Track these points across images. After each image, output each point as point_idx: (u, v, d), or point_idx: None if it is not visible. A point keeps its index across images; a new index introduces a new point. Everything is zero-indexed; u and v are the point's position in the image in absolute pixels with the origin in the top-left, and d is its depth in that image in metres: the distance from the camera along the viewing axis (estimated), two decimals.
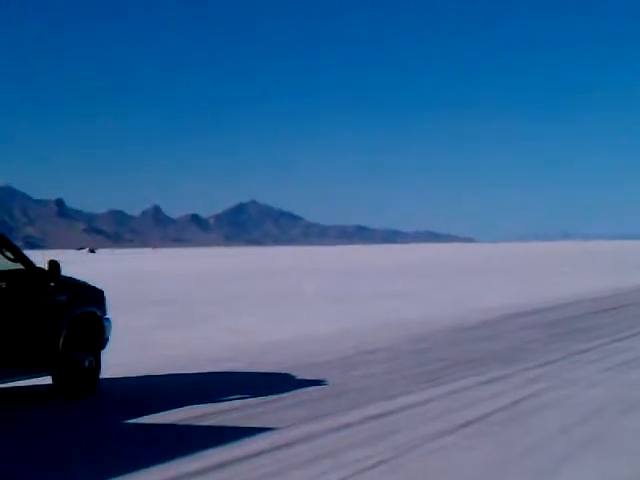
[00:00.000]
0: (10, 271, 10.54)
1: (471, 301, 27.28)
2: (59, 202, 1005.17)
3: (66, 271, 11.44)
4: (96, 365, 11.38)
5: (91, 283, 11.92)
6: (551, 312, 22.90)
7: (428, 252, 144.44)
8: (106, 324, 11.70)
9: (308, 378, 12.30)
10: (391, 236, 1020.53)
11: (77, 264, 60.12)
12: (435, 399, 10.58)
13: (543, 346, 15.66)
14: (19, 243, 12.04)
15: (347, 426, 9.06)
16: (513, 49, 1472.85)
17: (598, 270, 51.65)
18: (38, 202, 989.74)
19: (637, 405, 10.17)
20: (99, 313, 11.59)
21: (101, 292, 11.86)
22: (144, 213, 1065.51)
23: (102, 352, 11.67)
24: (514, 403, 10.28)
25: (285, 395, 10.95)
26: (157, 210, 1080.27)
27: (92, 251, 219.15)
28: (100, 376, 11.54)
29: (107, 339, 11.78)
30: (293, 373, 12.84)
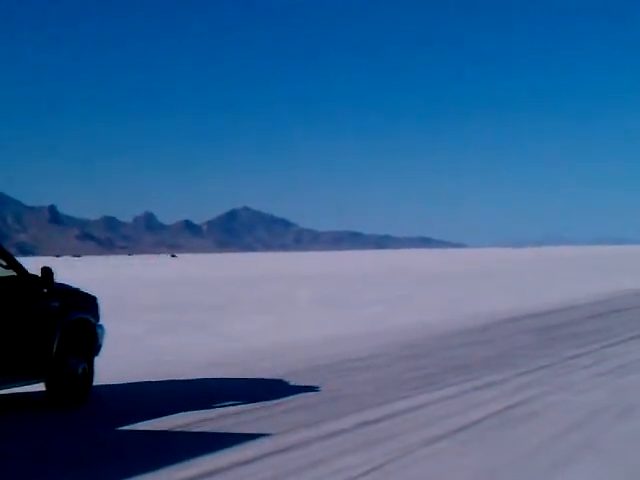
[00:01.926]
0: (2, 278, 10.52)
1: (463, 306, 27.30)
2: (52, 209, 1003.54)
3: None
4: (89, 372, 11.35)
5: (84, 290, 11.92)
6: (544, 317, 22.93)
7: (420, 258, 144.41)
8: (99, 331, 11.67)
9: (302, 384, 12.30)
10: (384, 241, 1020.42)
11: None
12: (427, 405, 10.59)
13: (536, 351, 15.68)
14: (12, 250, 12.00)
15: (341, 432, 9.06)
16: (499, 53, 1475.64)
17: (588, 275, 51.69)
18: (31, 209, 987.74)
19: (631, 410, 10.18)
20: (92, 320, 11.56)
21: (94, 298, 11.83)
22: (137, 219, 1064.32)
23: (95, 358, 11.67)
24: (507, 409, 10.29)
25: (279, 401, 10.95)
26: (150, 216, 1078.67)
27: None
28: (93, 382, 11.54)
29: (100, 346, 11.76)
30: (287, 379, 12.84)
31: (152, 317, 25.10)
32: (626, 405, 10.45)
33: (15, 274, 10.69)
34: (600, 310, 24.83)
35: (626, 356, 14.82)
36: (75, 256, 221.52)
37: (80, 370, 11.11)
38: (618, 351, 15.55)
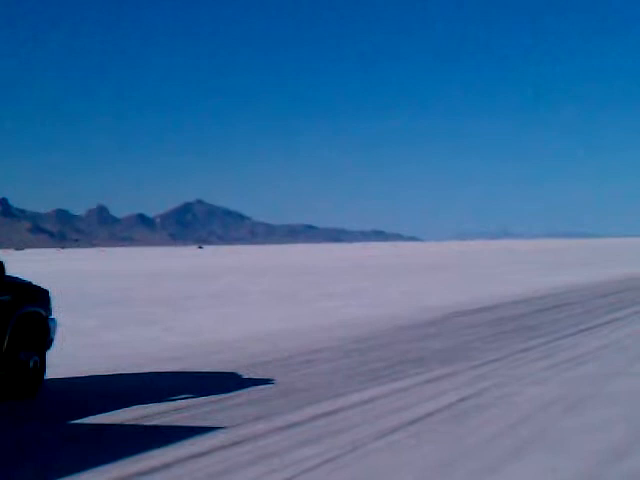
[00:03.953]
0: None
1: (416, 300, 27.40)
2: (3, 201, 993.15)
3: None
4: (41, 366, 11.29)
5: (36, 283, 11.83)
6: (496, 310, 23.09)
7: (373, 251, 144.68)
8: (51, 324, 11.60)
9: (255, 377, 12.31)
10: (338, 235, 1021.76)
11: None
12: (380, 397, 10.64)
13: (488, 344, 15.79)
14: None
15: (294, 425, 9.08)
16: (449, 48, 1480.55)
17: (539, 268, 52.10)
18: None
19: (581, 402, 10.29)
20: (44, 313, 11.49)
21: (46, 292, 11.75)
22: (89, 212, 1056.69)
23: (47, 352, 11.60)
24: (459, 401, 10.35)
25: (232, 394, 10.95)
26: (102, 209, 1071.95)
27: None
28: (46, 376, 11.46)
29: (52, 339, 11.70)
30: (240, 372, 12.84)
31: (104, 311, 24.98)
32: (575, 398, 10.56)
33: None
34: (552, 303, 25.03)
35: (575, 349, 14.97)
36: (18, 249, 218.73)
37: (32, 364, 11.05)
38: (568, 344, 15.69)
